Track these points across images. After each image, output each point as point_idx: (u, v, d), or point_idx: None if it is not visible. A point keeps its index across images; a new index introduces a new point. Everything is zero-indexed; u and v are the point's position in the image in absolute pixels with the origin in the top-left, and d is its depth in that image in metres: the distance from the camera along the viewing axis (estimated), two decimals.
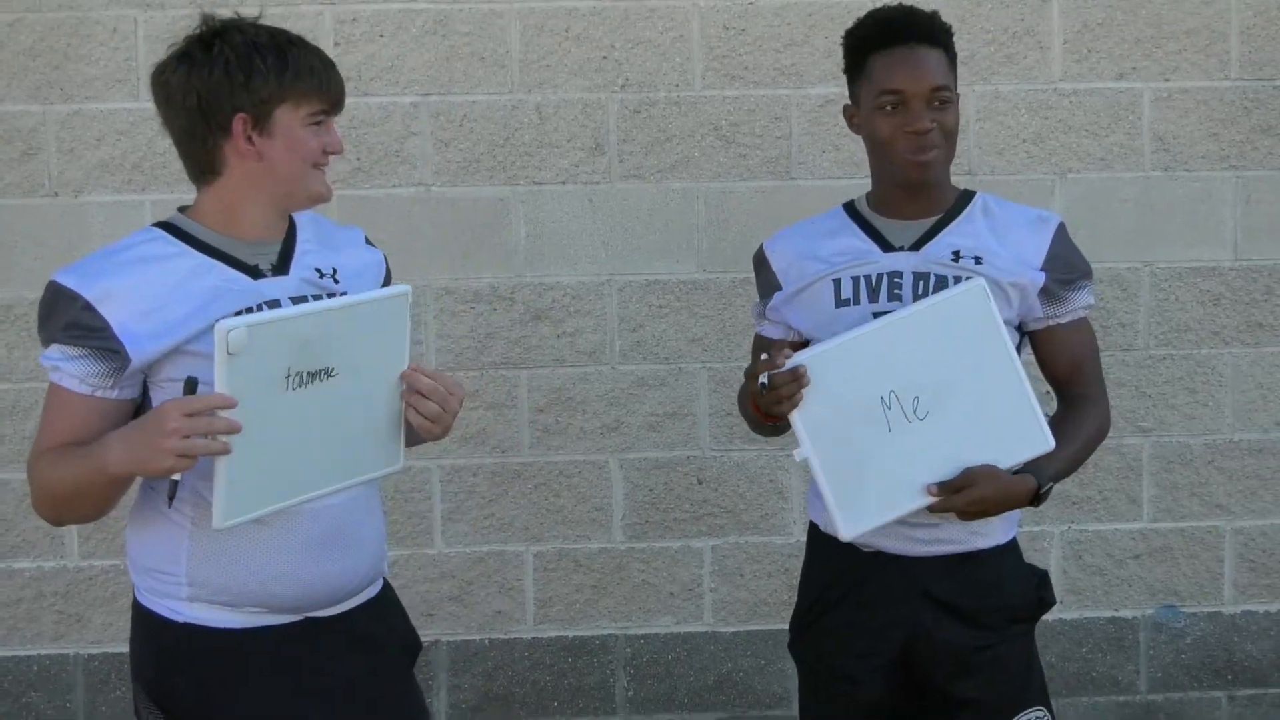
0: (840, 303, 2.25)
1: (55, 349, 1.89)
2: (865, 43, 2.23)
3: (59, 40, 3.48)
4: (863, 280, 2.25)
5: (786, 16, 3.55)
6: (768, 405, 2.08)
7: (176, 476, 1.79)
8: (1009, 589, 2.28)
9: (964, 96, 3.53)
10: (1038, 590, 2.32)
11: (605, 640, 3.67)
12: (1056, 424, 2.23)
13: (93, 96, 3.49)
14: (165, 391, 1.90)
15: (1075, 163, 3.61)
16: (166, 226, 1.99)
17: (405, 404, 1.96)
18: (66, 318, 1.87)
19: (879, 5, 2.33)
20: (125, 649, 2.11)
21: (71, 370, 1.88)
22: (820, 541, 2.37)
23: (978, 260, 2.21)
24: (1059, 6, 3.58)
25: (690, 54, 3.55)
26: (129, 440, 1.79)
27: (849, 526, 2.11)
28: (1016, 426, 2.14)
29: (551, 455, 3.62)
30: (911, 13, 2.25)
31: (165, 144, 2.12)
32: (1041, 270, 2.24)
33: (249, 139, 1.92)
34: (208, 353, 1.80)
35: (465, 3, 3.52)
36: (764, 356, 2.06)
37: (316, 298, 1.99)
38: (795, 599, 2.45)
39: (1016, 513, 2.29)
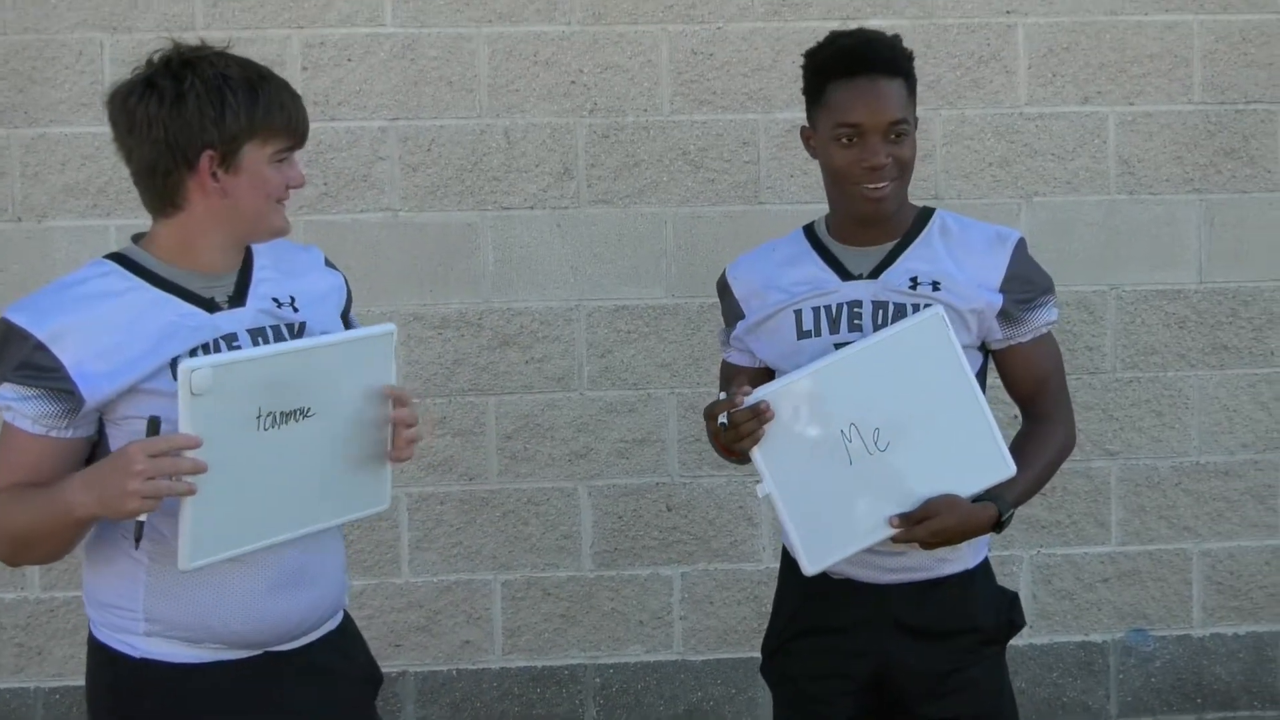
0: (802, 334, 2.25)
1: (8, 388, 1.86)
2: (825, 69, 2.21)
3: (24, 63, 3.45)
4: (823, 311, 2.24)
5: (754, 42, 3.56)
6: (729, 443, 2.08)
7: (142, 517, 1.76)
8: (979, 612, 2.28)
9: (930, 121, 3.56)
10: (1008, 612, 2.32)
11: (574, 670, 3.64)
12: (1019, 446, 2.23)
13: (58, 120, 3.46)
14: (122, 429, 1.87)
15: (1041, 186, 3.63)
16: (119, 258, 1.95)
17: (392, 433, 1.95)
18: (19, 358, 1.83)
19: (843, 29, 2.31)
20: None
21: (25, 410, 1.85)
22: (792, 566, 2.36)
23: (935, 286, 2.21)
24: (1024, 31, 3.60)
25: (658, 79, 3.55)
26: (92, 483, 1.76)
27: (812, 561, 2.12)
28: (977, 453, 2.14)
29: (520, 482, 3.60)
30: (873, 41, 2.22)
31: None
32: (999, 291, 2.23)
33: (214, 175, 1.89)
34: (165, 390, 1.78)
35: (433, 27, 3.52)
36: (722, 395, 2.06)
37: (275, 329, 1.97)
38: (765, 626, 2.44)
39: (986, 535, 2.30)
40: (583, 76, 3.55)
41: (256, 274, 2.01)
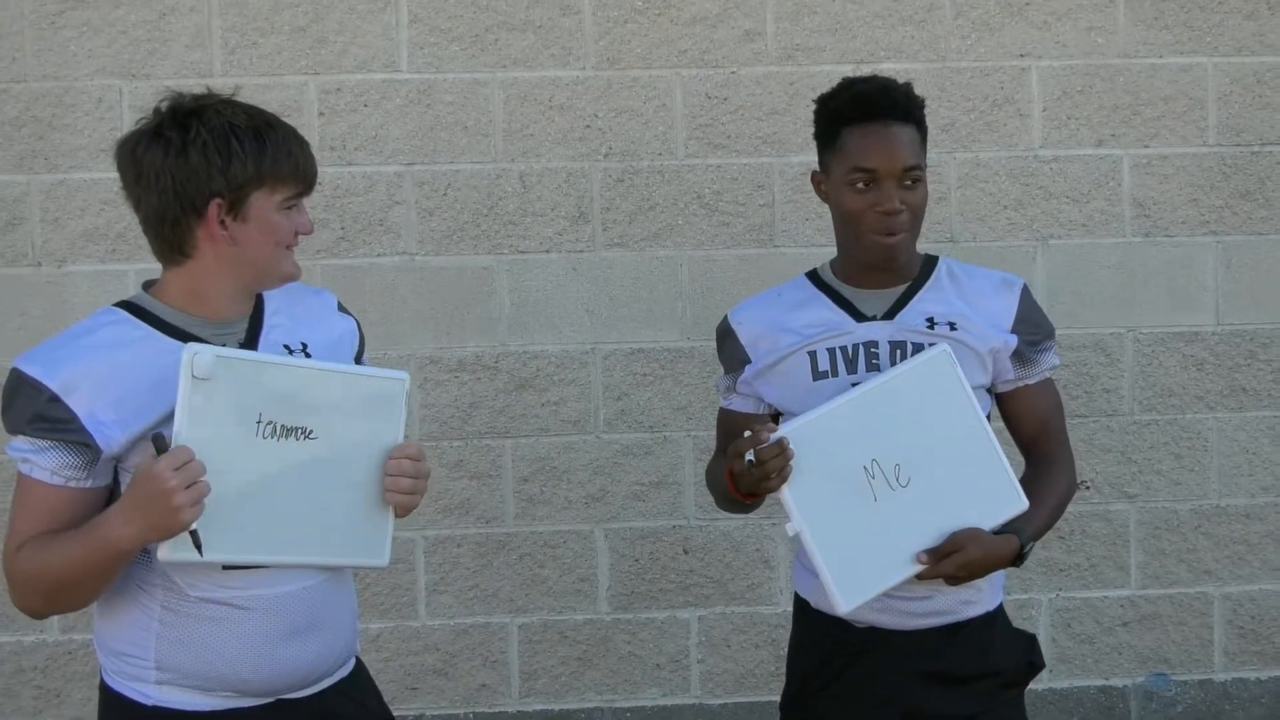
0: (818, 375, 2.24)
1: (23, 440, 1.86)
2: (840, 115, 2.22)
3: (44, 110, 3.49)
4: (839, 351, 2.24)
5: (768, 85, 3.58)
6: (753, 483, 2.05)
7: (194, 526, 1.77)
8: (999, 655, 2.27)
9: (945, 164, 3.57)
10: (1028, 654, 2.31)
11: (591, 713, 3.62)
12: (1028, 486, 2.23)
13: (77, 166, 3.50)
14: (131, 477, 1.86)
15: (1057, 229, 3.63)
16: (129, 306, 1.96)
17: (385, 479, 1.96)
18: (32, 410, 1.84)
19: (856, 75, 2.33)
20: None
21: (42, 463, 1.85)
22: (809, 617, 2.34)
23: (952, 326, 2.22)
24: (1038, 74, 3.61)
25: (673, 123, 3.57)
26: (132, 515, 1.76)
27: (846, 600, 2.09)
28: (991, 488, 2.15)
29: (536, 525, 3.59)
30: (887, 88, 2.23)
31: None
32: (1013, 333, 2.26)
33: (222, 223, 1.90)
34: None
35: (449, 72, 3.55)
36: (747, 434, 2.04)
37: None
38: (783, 669, 2.42)
39: (1001, 577, 2.30)
40: (597, 121, 3.57)
41: (268, 320, 2.02)
